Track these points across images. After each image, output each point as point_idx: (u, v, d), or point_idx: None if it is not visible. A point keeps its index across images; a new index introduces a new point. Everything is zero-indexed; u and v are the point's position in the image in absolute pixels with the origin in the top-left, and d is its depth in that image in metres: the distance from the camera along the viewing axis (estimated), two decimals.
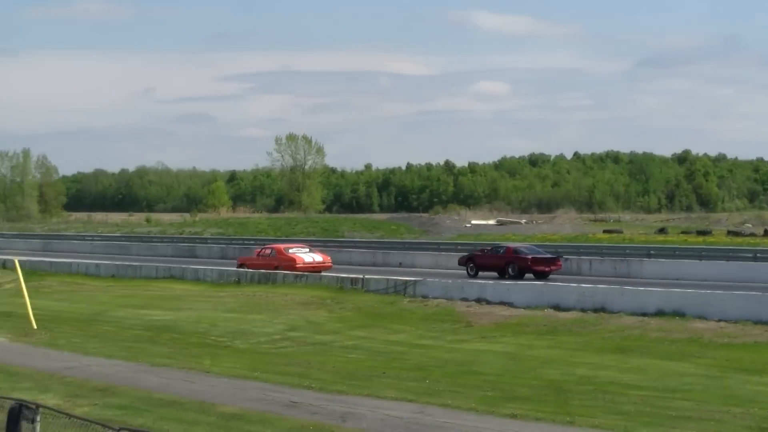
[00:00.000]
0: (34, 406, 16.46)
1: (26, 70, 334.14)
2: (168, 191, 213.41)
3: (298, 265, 55.60)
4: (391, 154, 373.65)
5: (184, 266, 58.02)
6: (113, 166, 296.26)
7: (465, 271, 52.69)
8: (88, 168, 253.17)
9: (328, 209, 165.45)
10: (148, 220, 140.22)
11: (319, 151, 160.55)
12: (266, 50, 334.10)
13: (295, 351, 34.06)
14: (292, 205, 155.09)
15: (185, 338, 36.86)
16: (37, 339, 35.62)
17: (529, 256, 51.00)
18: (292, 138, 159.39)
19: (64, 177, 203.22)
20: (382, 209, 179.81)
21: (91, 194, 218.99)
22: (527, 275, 49.99)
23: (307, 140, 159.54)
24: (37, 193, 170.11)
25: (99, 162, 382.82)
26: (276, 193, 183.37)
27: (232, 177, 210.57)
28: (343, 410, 22.49)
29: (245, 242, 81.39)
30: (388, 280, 46.83)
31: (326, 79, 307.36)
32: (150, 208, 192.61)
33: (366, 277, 47.90)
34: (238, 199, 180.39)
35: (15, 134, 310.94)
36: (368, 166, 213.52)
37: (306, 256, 57.45)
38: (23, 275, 42.93)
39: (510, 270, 50.44)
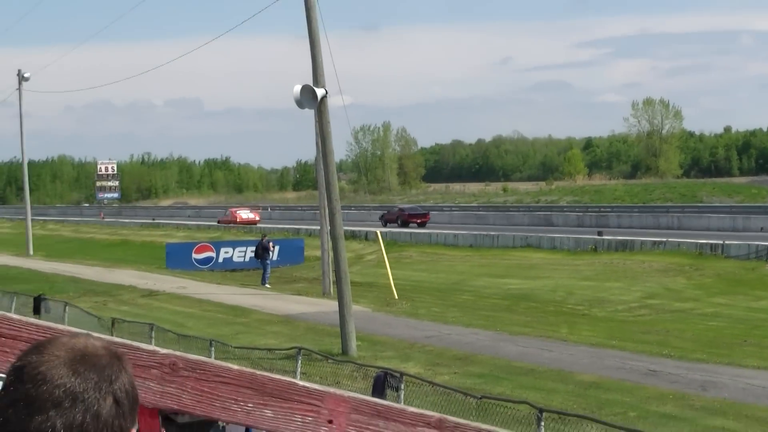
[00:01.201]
0: (398, 375, 17.04)
1: (386, 45, 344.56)
2: (524, 160, 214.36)
3: (237, 220, 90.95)
4: (752, 116, 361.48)
5: (540, 235, 58.20)
6: (470, 137, 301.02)
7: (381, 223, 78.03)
8: (445, 139, 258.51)
9: (686, 174, 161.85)
10: (504, 190, 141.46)
11: (677, 114, 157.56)
12: (623, 14, 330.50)
13: (653, 319, 33.66)
14: (648, 170, 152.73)
15: (542, 306, 37.07)
16: (399, 308, 36.63)
17: (407, 213, 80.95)
18: (649, 102, 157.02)
19: (422, 149, 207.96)
20: (742, 173, 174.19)
21: (449, 165, 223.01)
22: (410, 224, 76.52)
23: (665, 104, 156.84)
24: (396, 165, 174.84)
25: (456, 133, 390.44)
26: (632, 159, 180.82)
27: (588, 144, 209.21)
28: (703, 379, 22.07)
29: (601, 210, 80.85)
30: (749, 245, 45.43)
31: (685, 41, 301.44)
32: (506, 177, 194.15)
33: (726, 242, 46.64)
34: (593, 166, 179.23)
35: (376, 108, 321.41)
36: (728, 129, 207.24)
37: (244, 214, 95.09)
38: (384, 246, 44.28)
39: (398, 222, 78.20)
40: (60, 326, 2.41)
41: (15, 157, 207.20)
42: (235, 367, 2.47)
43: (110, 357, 1.90)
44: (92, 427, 1.81)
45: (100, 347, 1.91)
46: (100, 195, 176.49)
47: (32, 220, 78.31)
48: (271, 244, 50.37)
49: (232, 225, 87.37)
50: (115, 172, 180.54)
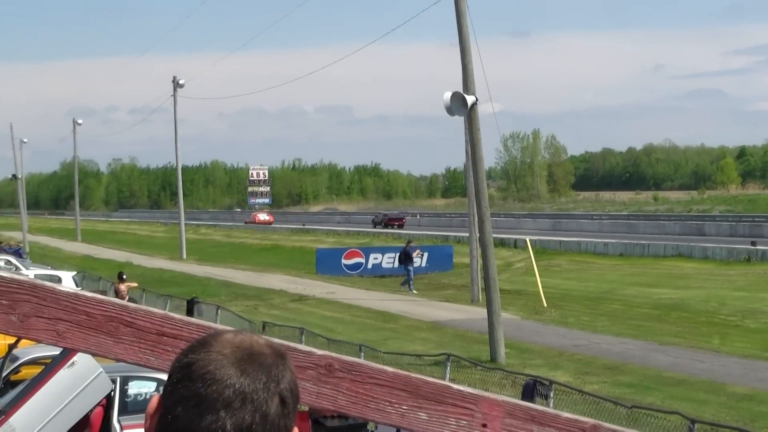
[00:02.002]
0: (547, 383, 16.96)
1: (536, 51, 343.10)
2: (675, 168, 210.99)
3: (256, 221, 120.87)
4: None
5: (692, 244, 57.24)
6: (620, 145, 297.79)
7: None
8: (595, 147, 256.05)
9: None
10: (655, 198, 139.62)
11: None
12: None
13: None
14: None
15: (693, 317, 36.42)
16: (547, 317, 36.42)
17: (388, 217, 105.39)
18: None
19: (572, 157, 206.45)
20: None
21: (599, 173, 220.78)
22: (390, 226, 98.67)
23: None
24: (546, 173, 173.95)
25: (606, 140, 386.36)
26: None
27: (742, 152, 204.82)
28: None
29: (755, 220, 79.18)
30: None
31: None
32: (657, 185, 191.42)
33: None
34: (747, 176, 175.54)
35: (525, 115, 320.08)
36: None
37: (261, 216, 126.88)
38: (533, 254, 44.06)
39: (382, 224, 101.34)
40: (219, 326, 2.46)
41: (169, 162, 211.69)
42: (390, 369, 2.49)
43: (275, 356, 1.90)
44: (260, 427, 1.82)
45: (264, 345, 1.91)
46: (252, 200, 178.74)
47: (185, 224, 80.00)
48: (417, 251, 50.44)
49: (253, 224, 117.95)
50: (267, 178, 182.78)
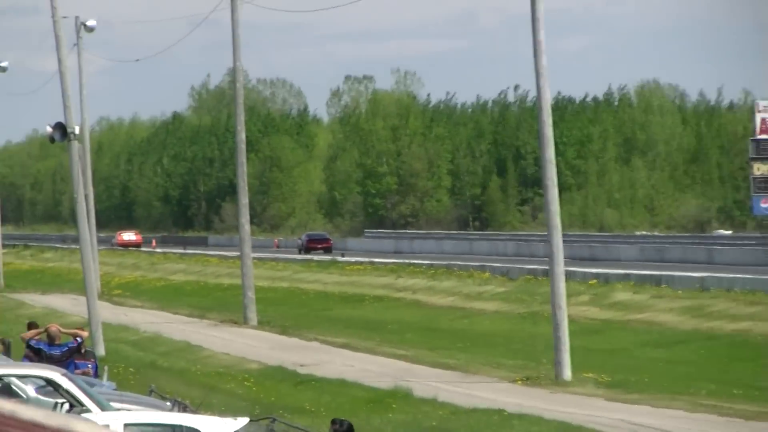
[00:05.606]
0: None
1: None
2: None
3: (118, 241, 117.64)
4: None
5: None
6: None
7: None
8: None
9: None
10: None
11: None
12: None
13: None
14: None
15: None
16: None
17: (308, 240, 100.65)
18: None
19: None
20: None
21: None
22: (313, 250, 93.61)
23: None
24: None
25: None
26: None
27: None
28: None
29: None
30: None
31: None
32: None
33: None
34: None
35: None
36: None
37: (126, 236, 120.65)
38: None
39: (304, 249, 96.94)
40: None
41: None
42: None
43: None
44: None
45: None
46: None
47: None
48: None
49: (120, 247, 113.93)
50: None
